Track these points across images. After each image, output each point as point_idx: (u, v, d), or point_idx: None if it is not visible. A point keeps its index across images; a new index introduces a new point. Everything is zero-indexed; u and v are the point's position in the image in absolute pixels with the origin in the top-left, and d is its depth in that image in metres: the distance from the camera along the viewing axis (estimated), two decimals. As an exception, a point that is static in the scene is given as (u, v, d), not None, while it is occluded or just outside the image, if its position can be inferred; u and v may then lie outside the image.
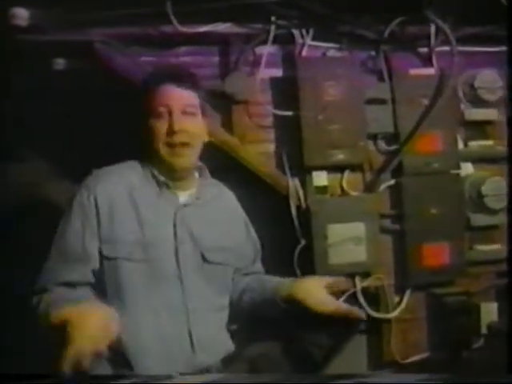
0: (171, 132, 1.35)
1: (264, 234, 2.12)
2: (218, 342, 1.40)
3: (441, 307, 2.01)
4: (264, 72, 1.92)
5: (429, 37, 1.98)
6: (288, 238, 1.93)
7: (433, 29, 1.98)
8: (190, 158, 1.40)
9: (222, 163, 1.78)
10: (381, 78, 1.98)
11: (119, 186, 1.38)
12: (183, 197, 1.43)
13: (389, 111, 1.97)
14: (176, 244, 1.36)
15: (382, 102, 1.97)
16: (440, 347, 2.01)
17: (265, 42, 1.90)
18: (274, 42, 1.91)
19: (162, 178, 1.40)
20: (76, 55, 1.85)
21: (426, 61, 2.02)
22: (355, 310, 1.37)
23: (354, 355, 2.07)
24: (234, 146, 1.90)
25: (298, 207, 1.93)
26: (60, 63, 1.86)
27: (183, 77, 1.43)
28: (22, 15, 1.68)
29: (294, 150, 1.92)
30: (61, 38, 1.76)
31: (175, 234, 1.37)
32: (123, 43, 1.82)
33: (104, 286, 1.33)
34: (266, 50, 1.90)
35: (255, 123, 1.93)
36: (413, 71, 1.98)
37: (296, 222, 1.92)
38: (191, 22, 1.82)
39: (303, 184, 1.94)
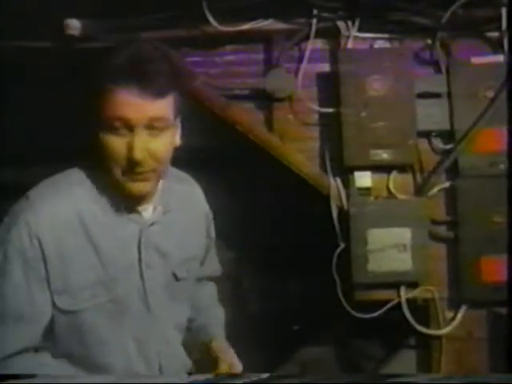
0: (132, 161, 1.02)
1: (304, 235, 2.09)
2: (182, 363, 1.23)
3: (504, 329, 1.76)
4: (307, 68, 1.86)
5: (495, 20, 1.72)
6: (328, 241, 1.85)
7: (504, 10, 1.72)
8: (154, 181, 1.10)
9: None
10: (437, 69, 1.78)
11: (67, 215, 1.05)
12: (147, 212, 1.14)
13: (445, 106, 1.77)
14: (141, 270, 1.12)
15: (437, 95, 1.77)
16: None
17: (308, 37, 1.83)
18: (319, 35, 1.84)
19: (120, 202, 1.10)
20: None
21: (495, 47, 1.76)
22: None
23: (403, 370, 1.93)
24: (274, 145, 1.87)
25: (341, 209, 1.84)
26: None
27: (152, 75, 1.00)
28: (74, 26, 1.85)
29: (337, 149, 1.83)
30: (111, 44, 1.88)
31: (140, 259, 1.12)
32: (170, 45, 1.88)
33: (54, 339, 1.09)
34: (310, 44, 1.83)
35: (297, 121, 1.88)
36: (475, 60, 1.74)
37: (336, 224, 1.83)
38: (234, 20, 1.83)
39: (346, 185, 1.84)
